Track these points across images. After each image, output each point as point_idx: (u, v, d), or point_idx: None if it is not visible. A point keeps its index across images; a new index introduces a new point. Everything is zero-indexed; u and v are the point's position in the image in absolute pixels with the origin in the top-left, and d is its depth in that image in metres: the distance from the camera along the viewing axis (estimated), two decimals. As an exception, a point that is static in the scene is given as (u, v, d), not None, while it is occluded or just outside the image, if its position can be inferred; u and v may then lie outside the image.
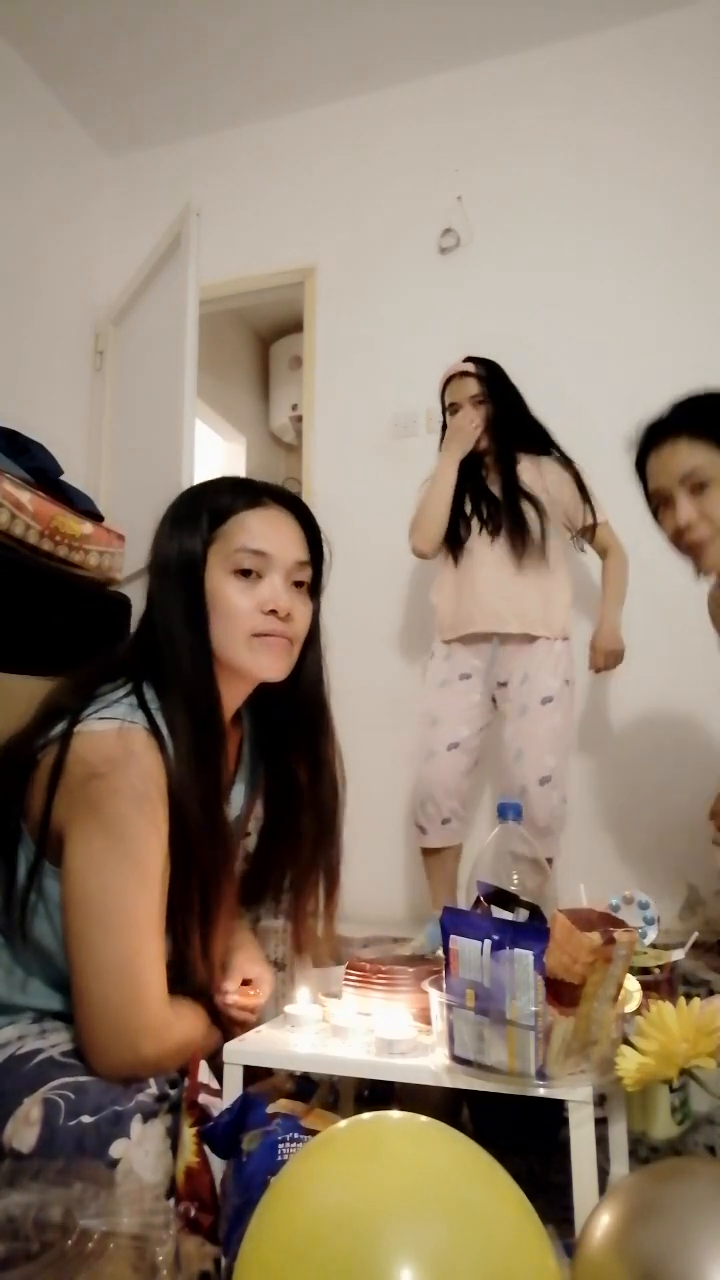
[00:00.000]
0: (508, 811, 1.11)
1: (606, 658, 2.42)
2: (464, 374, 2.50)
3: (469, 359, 2.54)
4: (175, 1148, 0.98)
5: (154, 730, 1.01)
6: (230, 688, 1.14)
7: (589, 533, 2.44)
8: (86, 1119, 0.94)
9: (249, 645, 1.10)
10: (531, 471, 2.43)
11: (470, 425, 2.42)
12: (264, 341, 4.93)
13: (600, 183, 2.98)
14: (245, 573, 1.11)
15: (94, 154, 3.59)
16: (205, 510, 1.14)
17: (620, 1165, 1.03)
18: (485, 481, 2.43)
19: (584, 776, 2.69)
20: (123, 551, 2.80)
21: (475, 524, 2.40)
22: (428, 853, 2.41)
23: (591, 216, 2.98)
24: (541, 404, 2.95)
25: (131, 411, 3.26)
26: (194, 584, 1.10)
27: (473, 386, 2.48)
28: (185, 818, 1.01)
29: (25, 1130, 0.94)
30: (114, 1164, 0.92)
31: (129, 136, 3.57)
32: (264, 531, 1.13)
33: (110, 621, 2.62)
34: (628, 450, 1.66)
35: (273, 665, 1.13)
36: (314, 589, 1.23)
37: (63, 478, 2.64)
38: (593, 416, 2.91)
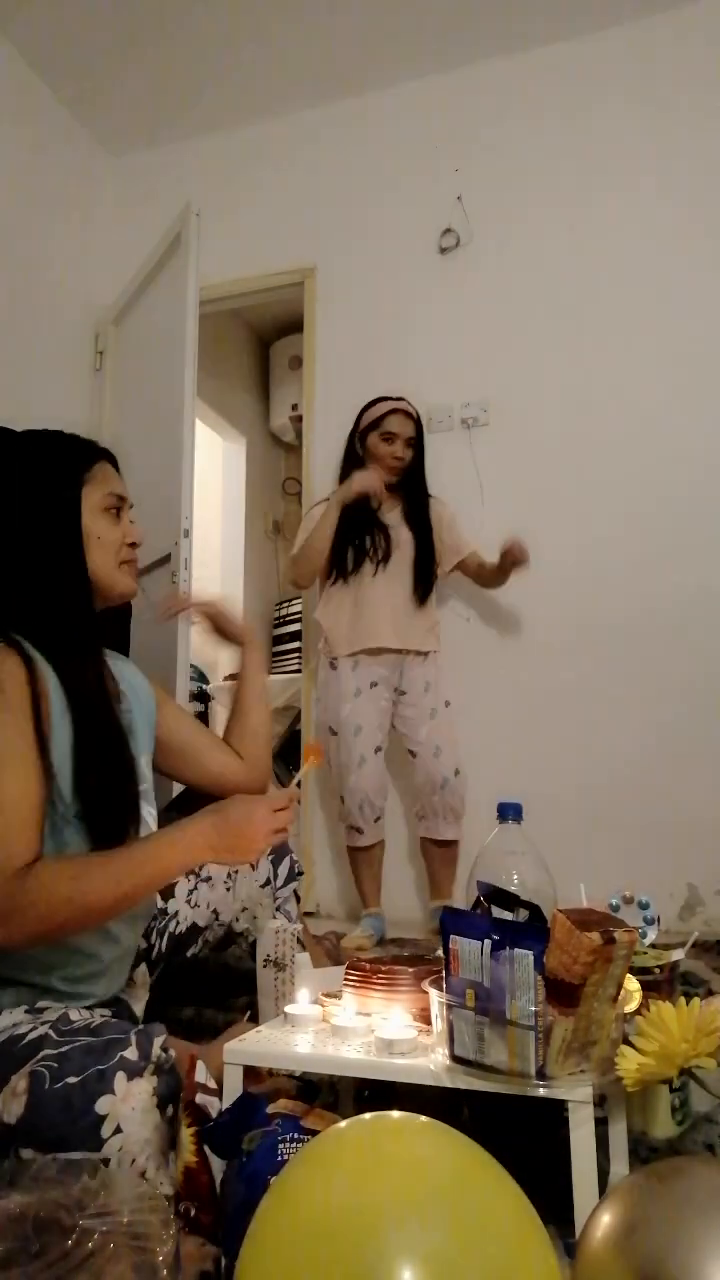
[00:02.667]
0: (508, 812, 1.11)
1: (518, 547, 2.57)
2: (407, 413, 2.67)
3: (405, 400, 2.70)
4: (162, 1108, 0.99)
5: (12, 644, 1.20)
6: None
7: (470, 560, 2.71)
8: (71, 1079, 0.97)
9: (120, 570, 1.34)
10: (434, 515, 2.70)
11: (375, 483, 2.60)
12: (264, 341, 4.93)
13: (600, 183, 2.98)
14: (112, 510, 1.33)
15: (94, 154, 3.59)
16: (72, 461, 1.33)
17: (620, 1165, 1.03)
18: (378, 513, 2.64)
19: (584, 776, 2.70)
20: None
21: (368, 552, 2.60)
22: (359, 851, 2.56)
23: (591, 216, 2.98)
24: (542, 403, 2.96)
25: (131, 411, 3.26)
26: (73, 522, 1.29)
27: (411, 428, 2.67)
28: (73, 700, 1.20)
29: (13, 1102, 0.98)
30: (101, 1121, 0.95)
31: (129, 136, 3.57)
32: (114, 480, 1.36)
33: (110, 621, 2.62)
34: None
35: (133, 584, 1.38)
36: None
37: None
38: (593, 416, 2.91)
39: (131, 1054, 0.98)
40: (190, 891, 1.51)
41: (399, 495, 2.70)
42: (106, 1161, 0.94)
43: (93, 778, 1.17)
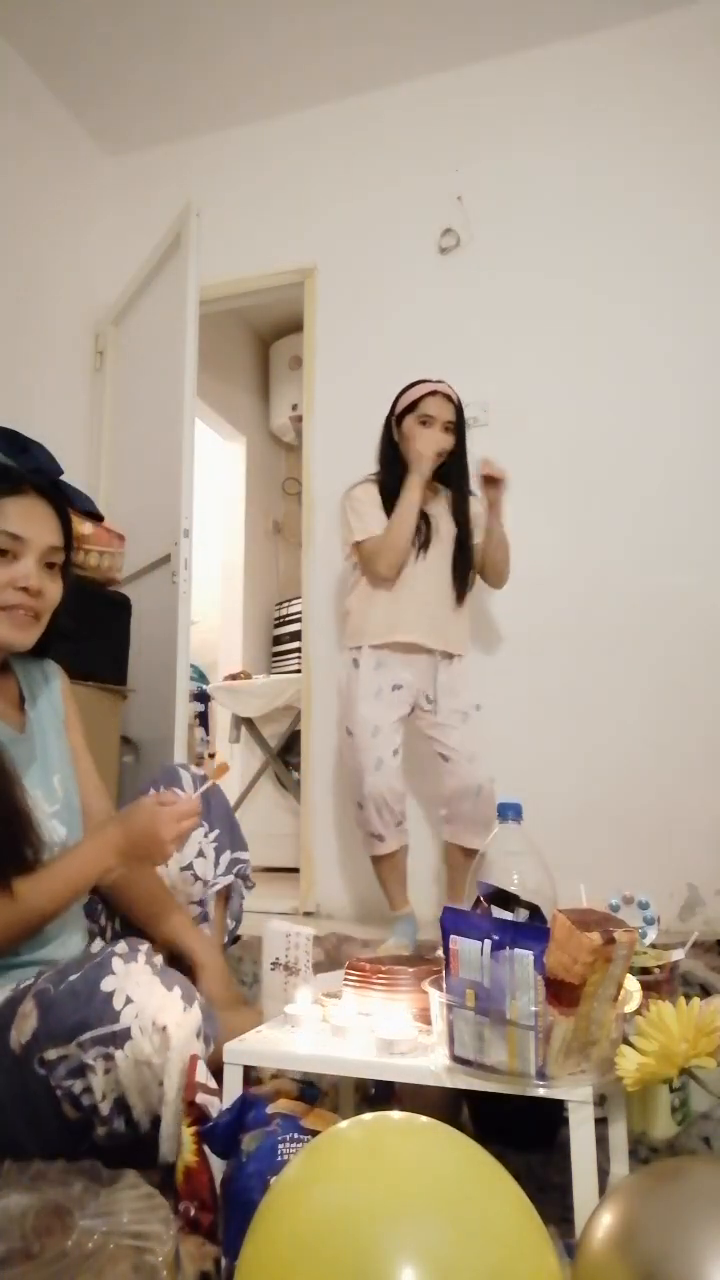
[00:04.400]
0: (508, 812, 1.11)
1: (486, 464, 2.48)
2: (447, 396, 2.51)
3: (444, 382, 2.55)
4: (167, 986, 1.07)
5: None
6: None
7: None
8: (73, 977, 1.06)
9: None
10: (472, 512, 2.56)
11: (435, 448, 2.45)
12: (264, 341, 4.93)
13: (601, 182, 2.98)
14: (2, 553, 1.24)
15: (94, 154, 3.59)
16: None
17: (620, 1165, 1.03)
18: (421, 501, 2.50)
19: (584, 776, 2.70)
20: (123, 551, 2.79)
21: (413, 541, 2.46)
22: (382, 859, 2.42)
23: (592, 216, 2.98)
24: (542, 404, 2.96)
25: (131, 411, 3.26)
26: None
27: (450, 412, 2.51)
28: None
29: (25, 1023, 1.06)
30: (110, 996, 1.02)
31: (129, 136, 3.56)
32: (21, 517, 1.25)
33: (110, 621, 2.62)
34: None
35: (13, 635, 1.27)
36: (65, 568, 1.34)
37: (63, 478, 2.64)
38: (593, 416, 2.91)
39: (121, 948, 1.09)
40: None
41: (440, 485, 2.55)
42: (128, 1032, 1.02)
43: None
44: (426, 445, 2.44)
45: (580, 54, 3.06)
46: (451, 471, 2.53)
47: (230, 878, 1.56)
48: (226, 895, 1.58)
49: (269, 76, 3.27)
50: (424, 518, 2.48)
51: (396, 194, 3.23)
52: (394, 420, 2.57)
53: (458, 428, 2.52)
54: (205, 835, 1.54)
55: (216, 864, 1.55)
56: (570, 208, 3.01)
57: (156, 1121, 1.05)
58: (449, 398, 2.50)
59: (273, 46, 3.14)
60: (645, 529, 2.79)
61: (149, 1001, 1.04)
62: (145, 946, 1.12)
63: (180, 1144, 1.00)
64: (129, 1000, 1.03)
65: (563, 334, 2.97)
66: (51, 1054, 1.03)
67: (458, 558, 2.50)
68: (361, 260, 3.25)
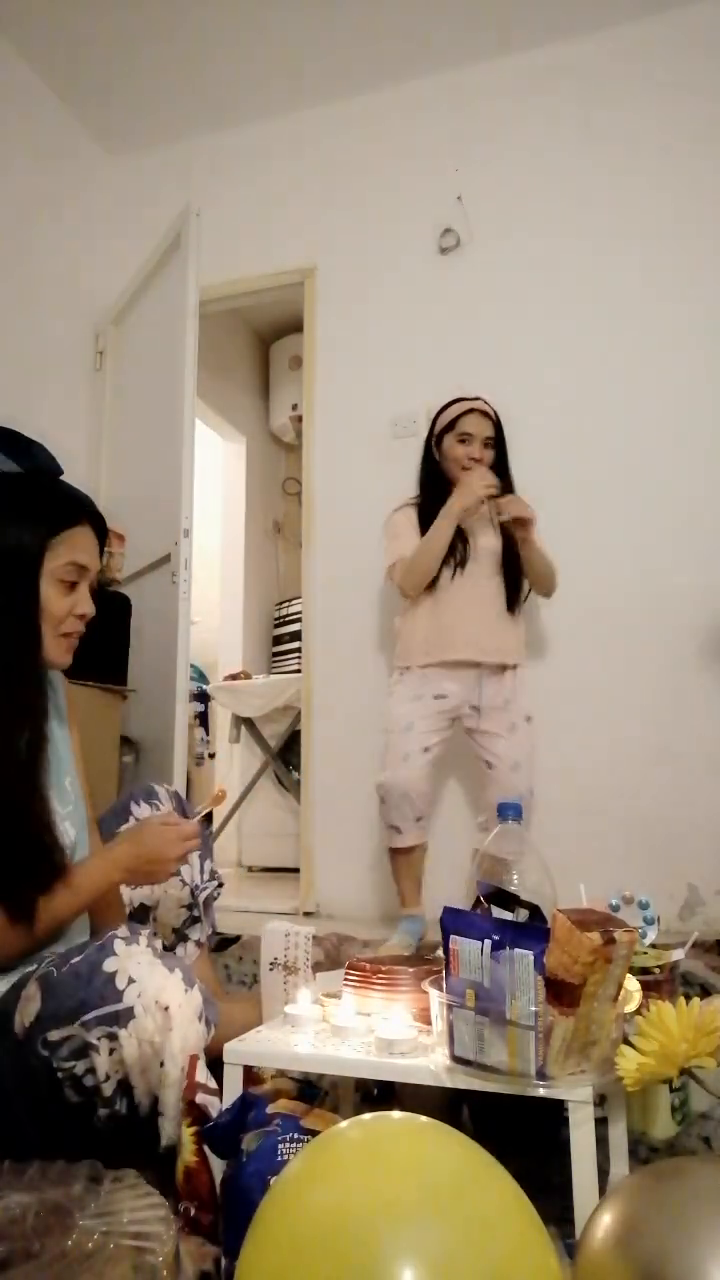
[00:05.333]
0: (508, 812, 1.11)
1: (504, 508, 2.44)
2: (484, 412, 2.52)
3: (481, 399, 2.55)
4: (169, 968, 1.09)
5: None
6: None
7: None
8: (75, 960, 1.08)
9: (55, 642, 1.31)
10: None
11: (482, 488, 2.43)
12: (264, 341, 4.93)
13: (601, 182, 2.98)
14: (68, 583, 1.31)
15: (94, 154, 3.59)
16: (43, 516, 1.31)
17: (620, 1165, 1.03)
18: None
19: (585, 776, 2.70)
20: (123, 551, 2.80)
21: (449, 558, 2.45)
22: (398, 852, 2.43)
23: (592, 216, 2.98)
24: (542, 403, 2.96)
25: (131, 411, 3.26)
26: (30, 582, 1.28)
27: (489, 428, 2.52)
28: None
29: (29, 1005, 1.07)
30: (112, 976, 1.04)
31: (129, 136, 3.56)
32: (86, 549, 1.34)
33: (111, 621, 2.62)
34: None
35: (65, 658, 1.35)
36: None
37: (63, 478, 2.63)
38: (594, 416, 2.91)
39: (122, 932, 1.11)
40: None
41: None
42: (131, 1011, 1.03)
43: (4, 855, 1.18)
44: (473, 488, 2.41)
45: (580, 54, 3.06)
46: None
47: (214, 884, 1.63)
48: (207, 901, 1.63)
49: (269, 76, 3.27)
50: (460, 536, 2.47)
51: (396, 194, 3.23)
52: (433, 440, 2.57)
53: (498, 441, 2.54)
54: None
55: (201, 870, 1.61)
56: (570, 207, 3.01)
57: (157, 1107, 1.06)
58: (486, 414, 2.52)
59: (273, 46, 3.14)
60: (646, 529, 2.79)
61: (151, 981, 1.06)
62: (146, 931, 1.14)
63: (180, 1140, 1.00)
64: (131, 980, 1.05)
65: (563, 333, 2.97)
66: (54, 1035, 1.05)
67: (506, 567, 2.49)
68: (361, 260, 3.25)
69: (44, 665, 1.31)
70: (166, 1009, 1.05)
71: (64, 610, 1.30)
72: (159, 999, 1.05)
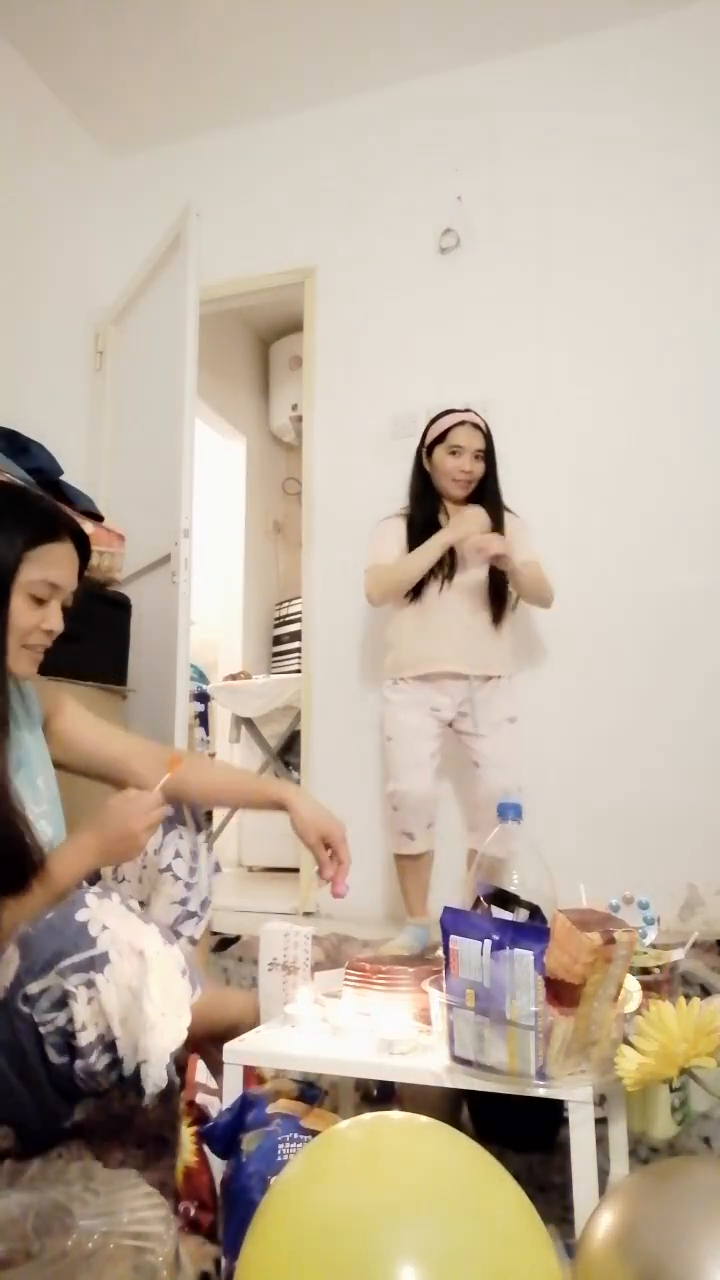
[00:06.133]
0: (508, 812, 1.10)
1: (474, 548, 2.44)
2: (475, 425, 2.53)
3: (471, 411, 2.57)
4: (139, 915, 1.12)
5: None
6: None
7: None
8: (49, 916, 1.11)
9: (18, 654, 1.30)
10: (507, 530, 2.54)
11: (477, 529, 2.45)
12: (264, 341, 4.93)
13: (601, 182, 2.98)
14: (38, 599, 1.30)
15: (94, 154, 3.59)
16: (21, 528, 1.29)
17: (620, 1165, 1.03)
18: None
19: (584, 776, 2.70)
20: (123, 551, 2.79)
21: (435, 571, 2.48)
22: (410, 859, 2.45)
23: (592, 216, 2.98)
24: (542, 403, 2.96)
25: (131, 411, 3.26)
26: (2, 591, 1.27)
27: (479, 440, 2.53)
28: None
29: (8, 968, 1.09)
30: (85, 925, 1.07)
31: (129, 136, 3.56)
32: (62, 566, 1.32)
33: (111, 621, 2.62)
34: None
35: (28, 669, 1.34)
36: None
37: (63, 478, 2.64)
38: (594, 415, 2.91)
39: (95, 889, 1.13)
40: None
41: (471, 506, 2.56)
42: (105, 955, 1.06)
43: None
44: (468, 529, 2.44)
45: (580, 54, 3.06)
46: (483, 496, 2.56)
47: (218, 874, 1.57)
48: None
49: (269, 76, 3.27)
50: (448, 550, 2.48)
51: (396, 194, 3.23)
52: (424, 451, 2.59)
53: (488, 454, 2.55)
54: (180, 836, 1.54)
55: (194, 858, 1.54)
56: (570, 207, 3.01)
57: (138, 1059, 1.06)
58: (478, 426, 2.54)
59: (273, 46, 3.14)
60: (647, 528, 2.79)
61: (124, 927, 1.09)
62: (119, 892, 1.17)
63: (180, 1141, 1.00)
64: (104, 927, 1.08)
65: (563, 333, 2.97)
66: (33, 988, 1.06)
67: (492, 581, 2.52)
68: (361, 260, 3.25)
69: (7, 674, 1.31)
70: (141, 953, 1.07)
71: (30, 624, 1.29)
72: (133, 942, 1.07)
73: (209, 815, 1.54)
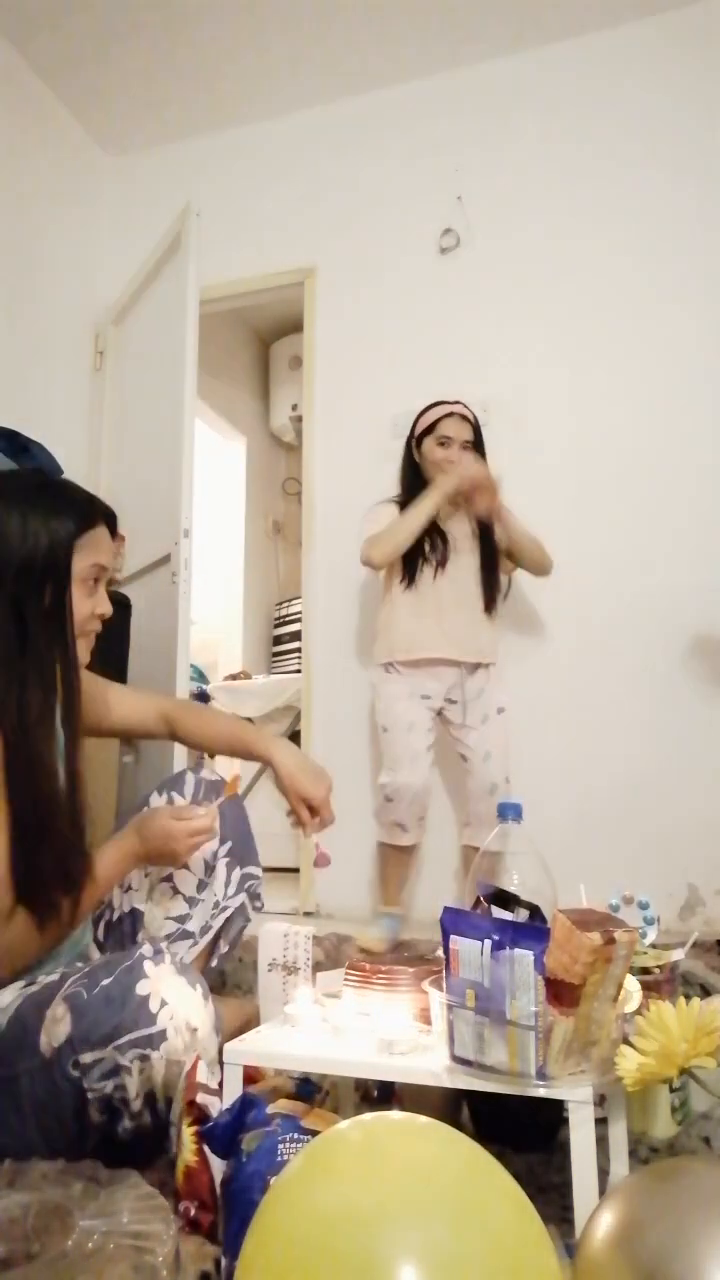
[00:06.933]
0: (508, 811, 1.11)
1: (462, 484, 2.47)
2: (463, 416, 2.55)
3: (460, 403, 2.58)
4: (191, 985, 1.11)
5: None
6: None
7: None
8: (105, 981, 1.08)
9: (78, 641, 1.31)
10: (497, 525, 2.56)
11: (475, 472, 2.46)
12: (264, 341, 4.93)
13: (601, 183, 2.98)
14: (89, 581, 1.30)
15: (94, 154, 3.59)
16: (71, 517, 1.28)
17: (620, 1165, 1.03)
18: (438, 518, 2.51)
19: (584, 776, 2.70)
20: (123, 551, 2.79)
21: (424, 554, 2.49)
22: (397, 850, 2.47)
23: (592, 216, 2.98)
24: (542, 403, 2.96)
25: (131, 411, 3.26)
26: (63, 585, 1.26)
27: (468, 431, 2.55)
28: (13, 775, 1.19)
29: (56, 1027, 1.07)
30: (146, 1000, 1.06)
31: (129, 136, 3.56)
32: (107, 549, 1.33)
33: (111, 621, 2.62)
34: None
35: (87, 658, 1.36)
36: None
37: (63, 478, 2.64)
38: (595, 415, 2.91)
39: (147, 951, 1.11)
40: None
41: (458, 501, 2.57)
42: (164, 1034, 1.05)
43: (29, 860, 1.16)
44: (463, 469, 2.45)
45: (580, 54, 3.06)
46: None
47: (241, 897, 1.53)
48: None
49: (269, 77, 3.27)
50: (441, 535, 2.52)
51: (396, 194, 3.23)
52: (413, 443, 2.60)
53: (476, 445, 2.57)
54: (217, 850, 1.51)
55: (228, 881, 1.52)
56: (570, 207, 3.01)
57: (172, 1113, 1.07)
58: (466, 418, 2.55)
59: (272, 47, 3.14)
60: (647, 528, 2.79)
61: (182, 1004, 1.08)
62: (164, 944, 1.15)
63: (180, 1141, 1.00)
64: (164, 1003, 1.07)
65: (563, 333, 2.97)
66: (87, 1058, 1.05)
67: (484, 569, 2.54)
68: (361, 260, 3.25)
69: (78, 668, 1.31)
70: (195, 1030, 1.07)
71: (87, 611, 1.30)
72: (189, 1021, 1.07)
73: (255, 858, 1.52)
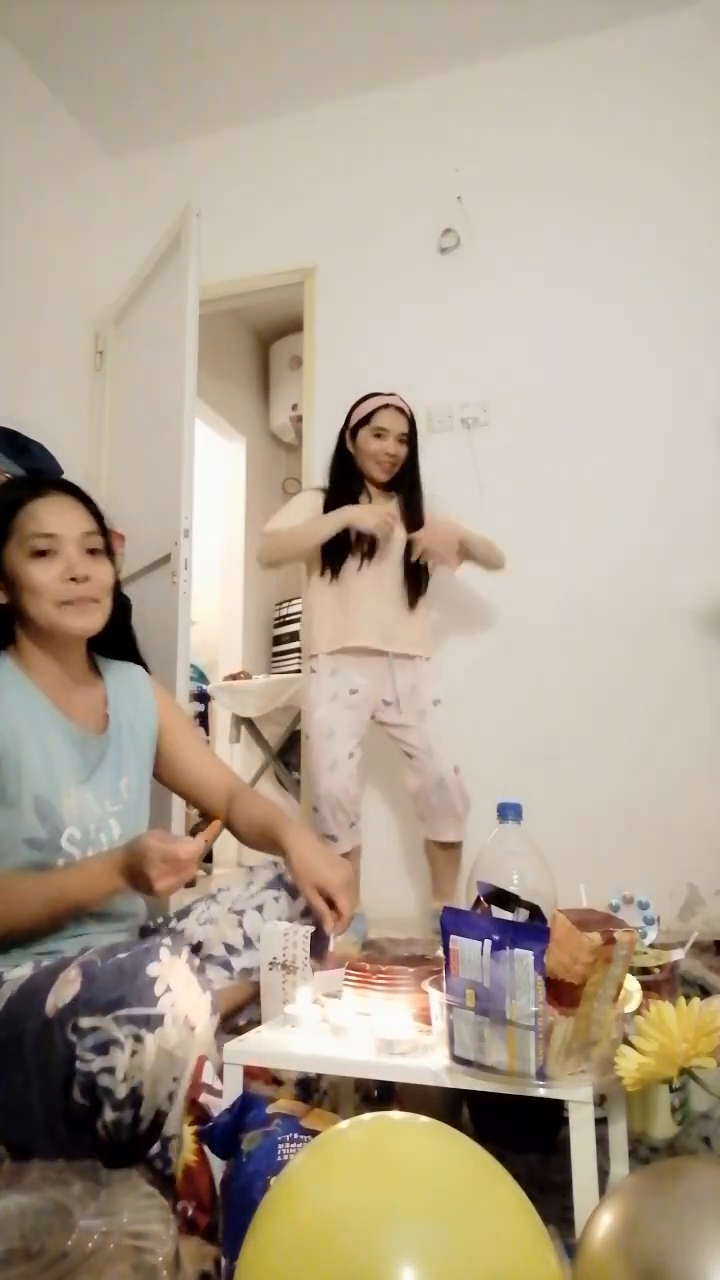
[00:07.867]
0: (508, 812, 1.10)
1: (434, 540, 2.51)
2: (399, 409, 2.57)
3: (396, 395, 2.60)
4: (198, 980, 1.12)
5: None
6: (63, 646, 1.37)
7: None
8: (121, 955, 1.09)
9: (59, 611, 1.30)
10: (427, 515, 2.58)
11: (388, 524, 2.49)
12: (264, 341, 4.93)
13: (601, 182, 2.98)
14: (41, 553, 1.29)
15: (95, 155, 3.59)
16: (8, 490, 1.31)
17: (620, 1165, 1.03)
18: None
19: (584, 776, 2.70)
20: (123, 551, 2.79)
21: (351, 547, 2.51)
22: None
23: (592, 216, 2.98)
24: (542, 403, 2.96)
25: (131, 411, 3.26)
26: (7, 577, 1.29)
27: (404, 424, 2.57)
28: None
29: (66, 989, 1.08)
30: (153, 981, 1.06)
31: (129, 137, 3.57)
32: (49, 516, 1.31)
33: (111, 621, 2.61)
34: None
35: (80, 622, 1.33)
36: (108, 552, 1.40)
37: (62, 478, 2.64)
38: (593, 415, 2.91)
39: (168, 941, 1.11)
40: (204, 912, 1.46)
41: (391, 493, 2.61)
42: (161, 1019, 1.05)
43: None
44: (376, 519, 2.47)
45: (580, 54, 3.06)
46: (403, 481, 2.59)
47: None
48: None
49: (269, 76, 3.28)
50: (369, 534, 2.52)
51: (396, 194, 3.23)
52: (348, 433, 2.61)
53: (410, 438, 2.58)
54: (277, 900, 1.43)
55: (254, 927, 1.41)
56: (570, 207, 3.01)
57: (157, 1126, 1.06)
58: (401, 410, 2.57)
59: (273, 46, 3.14)
60: (645, 528, 2.79)
61: (185, 996, 1.08)
62: (188, 949, 1.15)
63: (180, 1140, 1.00)
64: (169, 989, 1.06)
65: (563, 333, 2.97)
66: (85, 1022, 1.05)
67: (408, 563, 2.54)
68: (361, 260, 3.25)
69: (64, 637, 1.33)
70: (193, 1028, 1.07)
71: (48, 579, 1.29)
72: (189, 1016, 1.07)
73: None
